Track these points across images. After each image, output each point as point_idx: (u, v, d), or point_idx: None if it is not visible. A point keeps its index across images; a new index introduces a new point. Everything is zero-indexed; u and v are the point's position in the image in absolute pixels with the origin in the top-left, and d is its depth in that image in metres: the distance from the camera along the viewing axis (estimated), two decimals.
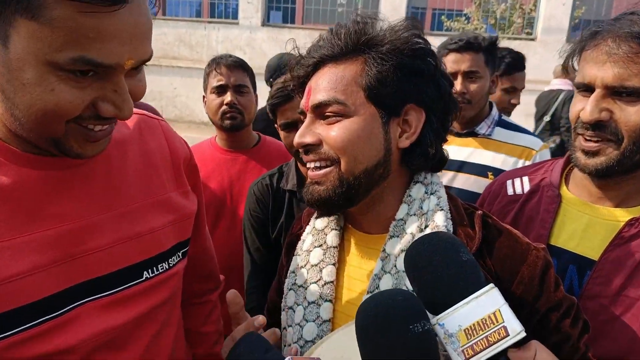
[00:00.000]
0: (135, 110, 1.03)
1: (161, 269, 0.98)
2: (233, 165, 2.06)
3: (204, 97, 2.14)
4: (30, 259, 0.80)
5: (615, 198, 1.09)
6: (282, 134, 1.71)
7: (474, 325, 0.68)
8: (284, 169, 1.82)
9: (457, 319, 0.69)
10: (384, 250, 0.92)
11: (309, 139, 0.92)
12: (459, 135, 2.02)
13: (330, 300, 0.96)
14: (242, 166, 2.06)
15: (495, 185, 1.34)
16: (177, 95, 11.45)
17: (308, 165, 0.95)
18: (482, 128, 2.00)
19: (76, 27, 0.68)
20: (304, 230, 1.10)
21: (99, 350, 0.88)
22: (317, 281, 0.98)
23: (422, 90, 0.91)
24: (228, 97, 1.99)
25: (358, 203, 0.93)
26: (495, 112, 2.06)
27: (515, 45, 6.15)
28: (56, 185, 0.85)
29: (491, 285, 0.70)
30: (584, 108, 1.02)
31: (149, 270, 0.96)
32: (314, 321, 0.95)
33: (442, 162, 0.99)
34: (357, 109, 0.89)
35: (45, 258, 0.81)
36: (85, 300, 0.87)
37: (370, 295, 0.78)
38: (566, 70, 4.32)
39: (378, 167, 0.91)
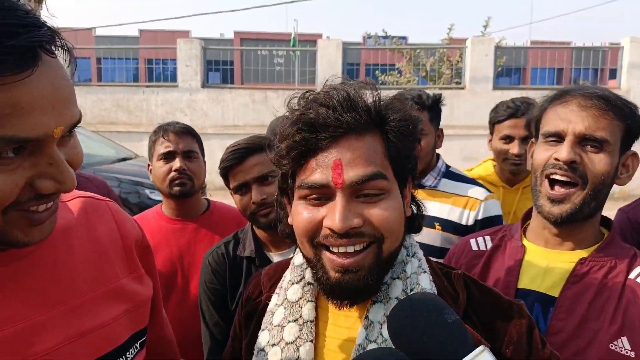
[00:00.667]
0: (79, 192, 0.95)
1: None
2: (182, 235, 1.95)
3: (148, 165, 2.05)
4: None
5: (569, 244, 1.21)
6: (236, 197, 1.66)
7: None
8: (239, 235, 1.75)
9: None
10: (367, 317, 0.87)
11: (357, 221, 0.81)
12: None
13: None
14: (192, 235, 1.96)
15: (459, 245, 1.44)
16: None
17: (339, 249, 0.84)
18: (428, 180, 2.05)
19: None
20: (267, 299, 1.02)
21: None
22: None
23: (415, 158, 0.92)
24: (177, 163, 1.91)
25: (383, 277, 0.89)
26: (441, 163, 2.12)
27: (447, 94, 6.51)
28: None
29: (482, 347, 0.67)
30: (556, 152, 1.15)
31: None
32: None
33: (420, 224, 0.98)
34: (392, 185, 0.85)
35: None
36: None
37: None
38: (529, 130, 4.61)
39: (401, 242, 0.89)
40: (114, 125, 11.20)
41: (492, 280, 1.25)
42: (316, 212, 0.84)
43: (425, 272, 0.91)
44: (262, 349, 0.95)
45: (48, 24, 0.67)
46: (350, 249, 0.83)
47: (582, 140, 1.12)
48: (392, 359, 0.67)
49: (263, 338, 0.96)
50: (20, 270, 0.78)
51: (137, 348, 0.94)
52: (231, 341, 1.11)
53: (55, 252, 0.84)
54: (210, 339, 1.69)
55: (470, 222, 1.91)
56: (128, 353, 0.91)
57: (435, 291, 0.88)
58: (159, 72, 11.98)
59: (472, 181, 2.09)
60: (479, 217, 1.92)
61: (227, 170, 1.63)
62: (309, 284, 0.97)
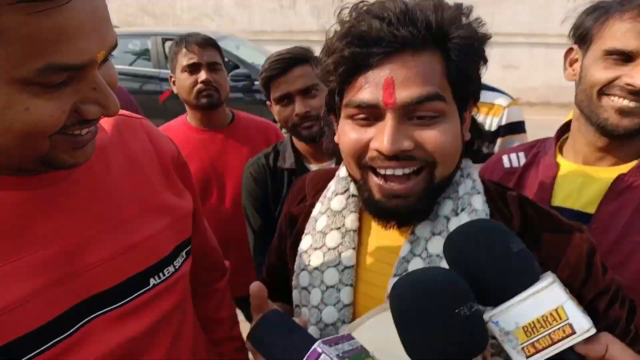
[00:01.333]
0: None
1: (167, 273, 0.94)
2: (212, 145, 2.01)
3: (170, 77, 2.07)
4: (24, 284, 0.74)
5: (610, 159, 1.17)
6: (276, 107, 1.66)
7: (533, 322, 0.64)
8: (279, 148, 1.79)
9: (513, 317, 0.64)
10: (412, 232, 0.86)
11: (407, 144, 0.77)
12: None
13: (350, 285, 0.91)
14: (221, 145, 2.02)
15: (491, 162, 1.38)
16: None
17: (387, 172, 0.81)
18: None
19: (31, 32, 0.59)
20: (309, 205, 1.03)
21: None
22: (335, 265, 0.92)
23: (479, 83, 0.87)
24: (203, 75, 1.92)
25: (434, 200, 0.86)
26: None
27: (488, 1, 6.06)
28: (39, 205, 0.78)
29: (550, 279, 0.65)
30: (626, 74, 1.05)
31: (156, 277, 0.92)
32: (334, 305, 0.90)
33: (479, 149, 0.95)
34: (450, 107, 0.80)
35: (40, 281, 0.76)
36: (93, 316, 0.82)
37: (401, 277, 0.71)
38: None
39: (458, 166, 0.87)
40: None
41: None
42: (363, 133, 0.80)
43: (479, 193, 0.88)
44: (305, 252, 0.97)
45: None
46: (399, 172, 0.79)
47: None
48: (443, 279, 0.65)
49: (306, 242, 0.98)
50: (63, 190, 0.81)
51: (183, 257, 1.00)
52: (277, 239, 1.14)
53: (93, 172, 0.86)
54: (255, 240, 1.82)
55: (494, 128, 1.95)
56: (175, 262, 0.96)
57: (489, 212, 0.86)
58: None
59: (498, 90, 2.08)
60: (502, 123, 1.95)
61: (269, 80, 1.62)
62: (353, 195, 0.95)
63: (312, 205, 1.02)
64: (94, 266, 0.83)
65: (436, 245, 0.83)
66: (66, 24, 0.61)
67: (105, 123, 0.92)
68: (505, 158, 1.34)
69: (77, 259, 0.81)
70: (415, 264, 0.83)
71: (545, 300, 0.64)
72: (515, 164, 1.31)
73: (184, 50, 1.94)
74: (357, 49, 0.76)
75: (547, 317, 0.63)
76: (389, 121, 0.76)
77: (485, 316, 0.66)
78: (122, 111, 0.97)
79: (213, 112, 1.99)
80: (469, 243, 0.69)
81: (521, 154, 1.32)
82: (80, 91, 0.68)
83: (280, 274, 1.06)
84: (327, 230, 0.96)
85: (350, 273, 0.91)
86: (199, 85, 1.92)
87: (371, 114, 0.79)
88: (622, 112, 1.07)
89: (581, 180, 1.18)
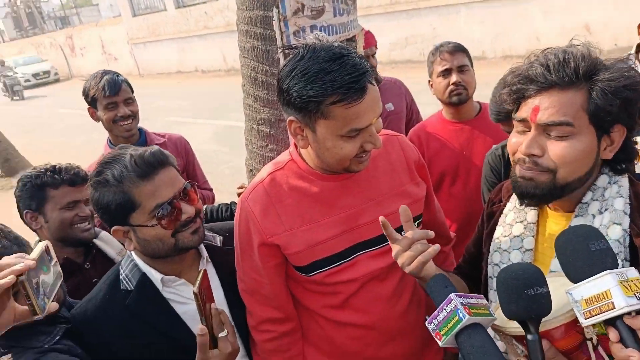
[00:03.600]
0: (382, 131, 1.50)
1: (404, 234, 1.35)
2: (461, 134, 2.45)
3: (429, 81, 2.51)
4: (331, 231, 1.38)
5: None
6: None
7: (591, 297, 0.90)
8: None
9: (580, 292, 0.92)
10: (570, 226, 1.13)
11: (536, 151, 1.09)
12: None
13: (530, 262, 1.21)
14: (469, 134, 2.44)
15: None
16: (436, 36, 11.71)
17: (520, 164, 1.14)
18: None
19: (345, 115, 1.20)
20: (503, 205, 1.35)
21: (370, 280, 1.43)
22: (519, 248, 1.24)
23: (630, 114, 1.08)
24: (454, 77, 2.36)
25: (562, 196, 1.14)
26: None
27: None
28: (341, 189, 1.40)
29: (606, 272, 0.89)
30: None
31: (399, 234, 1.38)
32: None
33: (626, 167, 1.17)
34: (581, 130, 1.06)
35: (337, 230, 1.38)
36: (361, 252, 1.41)
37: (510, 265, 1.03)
38: None
39: (587, 174, 1.12)
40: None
41: None
42: (519, 139, 1.14)
43: (621, 196, 1.11)
44: (497, 238, 1.31)
45: (366, 61, 1.24)
46: (528, 166, 1.12)
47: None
48: (521, 271, 0.96)
49: (498, 231, 1.32)
50: (350, 182, 1.41)
51: (417, 225, 1.49)
52: (476, 230, 1.48)
53: (367, 172, 1.41)
54: None
55: None
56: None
57: (629, 212, 1.10)
58: None
59: None
60: None
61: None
62: None
63: (505, 205, 1.34)
64: (365, 224, 1.40)
65: None
66: (359, 109, 1.20)
67: None
68: None
69: (357, 220, 1.40)
70: None
71: (601, 284, 0.89)
72: None
73: (438, 58, 2.39)
74: (520, 85, 1.12)
75: (600, 295, 0.89)
76: (531, 132, 1.10)
77: (568, 289, 0.93)
78: (387, 131, 1.54)
79: (462, 106, 2.41)
80: (565, 241, 0.97)
81: None
82: (363, 137, 1.26)
83: (475, 261, 1.42)
84: (513, 222, 1.28)
85: (530, 254, 1.22)
86: (451, 87, 2.36)
87: (525, 127, 1.13)
88: None
89: None
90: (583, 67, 1.06)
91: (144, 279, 1.41)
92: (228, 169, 7.37)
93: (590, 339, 0.93)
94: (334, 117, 1.20)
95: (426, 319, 1.05)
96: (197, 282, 1.17)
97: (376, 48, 3.11)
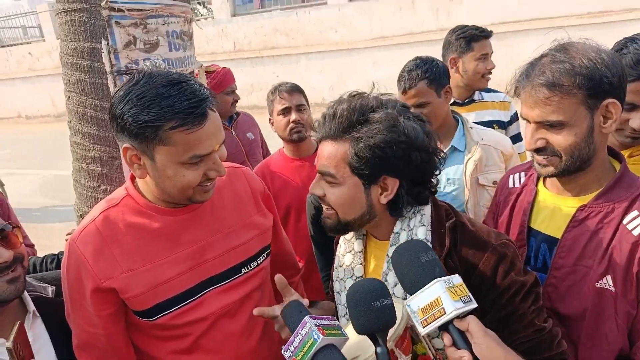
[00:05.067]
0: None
1: (253, 266, 1.44)
2: (302, 171, 2.50)
3: (270, 119, 2.57)
4: (175, 268, 1.29)
5: (571, 190, 1.35)
6: None
7: (426, 306, 0.98)
8: None
9: (416, 302, 0.99)
10: (387, 254, 1.24)
11: (318, 192, 1.24)
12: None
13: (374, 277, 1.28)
14: (309, 171, 2.48)
15: (502, 180, 1.63)
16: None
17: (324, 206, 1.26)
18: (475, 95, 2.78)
19: (186, 141, 1.15)
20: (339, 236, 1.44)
21: (221, 317, 1.36)
22: (351, 276, 1.33)
23: (394, 165, 1.16)
24: (293, 115, 2.43)
25: (354, 230, 1.29)
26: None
27: None
28: (185, 223, 1.32)
29: (435, 280, 0.98)
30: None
31: (245, 267, 1.42)
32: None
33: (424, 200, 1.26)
34: (344, 180, 1.18)
35: (183, 267, 1.30)
36: (210, 288, 1.35)
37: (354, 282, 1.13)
38: None
39: (364, 215, 1.22)
40: (275, 49, 12.16)
41: (516, 217, 1.44)
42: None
43: (423, 225, 1.22)
44: (336, 267, 1.41)
45: (206, 89, 1.21)
46: (325, 208, 1.27)
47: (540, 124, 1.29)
48: (368, 285, 1.02)
49: (337, 260, 1.42)
50: (195, 216, 1.34)
51: (264, 256, 1.49)
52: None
53: (213, 204, 1.38)
54: (318, 257, 2.34)
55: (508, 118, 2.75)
56: (259, 259, 1.46)
57: (430, 239, 1.20)
58: None
59: (498, 91, 2.79)
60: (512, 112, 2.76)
61: None
62: (361, 233, 1.36)
63: (340, 236, 1.42)
64: (212, 259, 1.34)
65: None
66: (201, 135, 1.15)
67: None
68: (511, 178, 1.54)
69: (203, 255, 1.33)
70: (392, 275, 1.20)
71: (432, 292, 0.97)
72: (516, 184, 1.51)
73: (277, 97, 2.46)
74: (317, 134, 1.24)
75: (432, 303, 0.97)
76: (316, 177, 1.27)
77: (406, 302, 1.02)
78: (230, 164, 1.52)
79: (302, 143, 2.48)
80: (399, 256, 1.06)
81: (522, 175, 1.51)
82: (207, 165, 1.21)
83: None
84: (344, 252, 1.38)
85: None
86: (291, 125, 2.41)
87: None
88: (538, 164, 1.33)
89: (552, 207, 1.37)
90: (344, 122, 1.16)
91: None
92: (59, 222, 6.60)
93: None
94: (173, 143, 1.14)
95: (282, 348, 1.04)
96: (12, 337, 1.02)
97: (236, 87, 3.21)
